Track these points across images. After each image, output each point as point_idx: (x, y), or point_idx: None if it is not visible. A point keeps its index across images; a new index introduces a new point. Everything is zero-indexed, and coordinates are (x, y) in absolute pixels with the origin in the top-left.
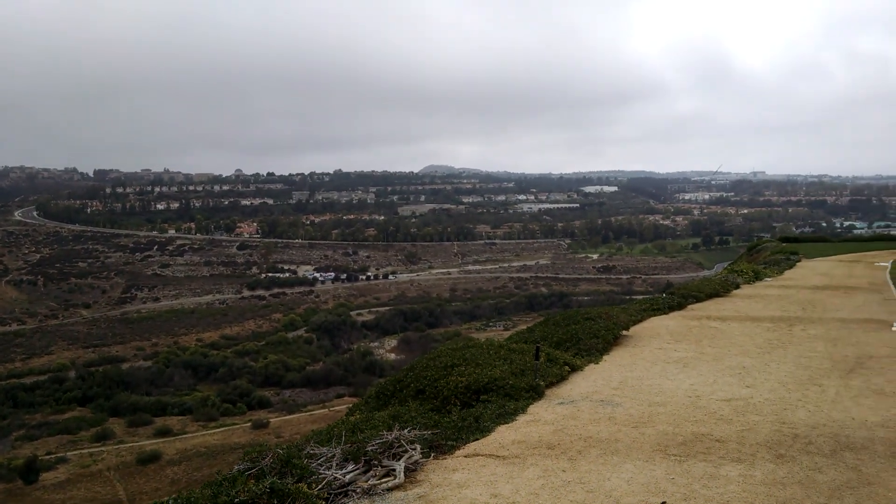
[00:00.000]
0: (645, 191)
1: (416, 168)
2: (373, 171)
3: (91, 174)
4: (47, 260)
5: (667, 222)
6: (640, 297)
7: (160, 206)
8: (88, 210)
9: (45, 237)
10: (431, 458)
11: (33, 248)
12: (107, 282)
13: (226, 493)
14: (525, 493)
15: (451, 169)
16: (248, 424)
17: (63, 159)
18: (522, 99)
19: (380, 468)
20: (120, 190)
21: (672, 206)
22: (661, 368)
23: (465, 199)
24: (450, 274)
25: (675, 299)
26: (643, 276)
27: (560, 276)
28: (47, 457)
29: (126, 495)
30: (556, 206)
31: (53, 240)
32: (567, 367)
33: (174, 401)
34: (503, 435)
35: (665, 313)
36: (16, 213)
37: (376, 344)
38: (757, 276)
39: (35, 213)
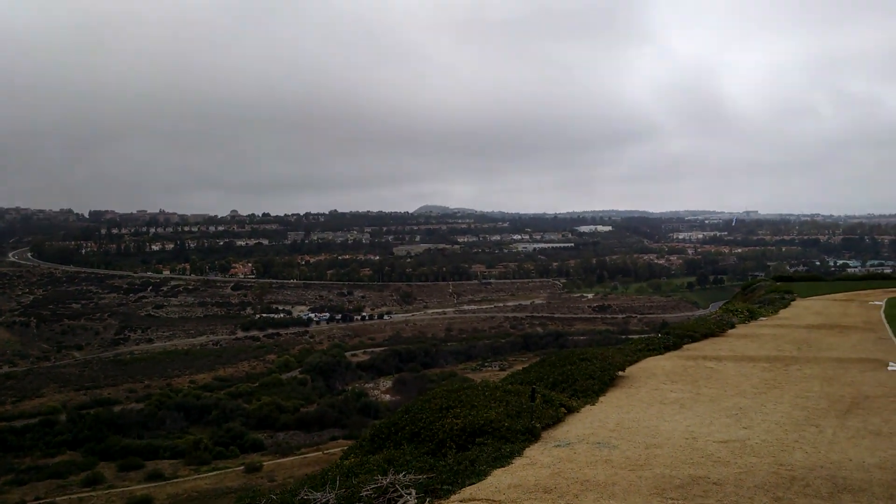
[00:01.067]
0: (639, 230)
1: (410, 208)
2: (368, 212)
3: (87, 215)
4: (40, 301)
5: (661, 261)
6: (636, 336)
7: (155, 247)
8: (83, 251)
9: (39, 278)
10: (427, 503)
11: (27, 290)
12: (100, 323)
13: None
14: None
15: (446, 209)
16: (241, 468)
17: (59, 200)
18: (517, 140)
19: None
20: (115, 231)
21: (666, 245)
22: (658, 409)
23: (460, 239)
24: (445, 313)
25: (671, 339)
26: (639, 316)
27: (556, 315)
28: (35, 502)
29: None
30: (550, 245)
31: (47, 281)
32: (563, 409)
33: (166, 444)
34: (499, 479)
35: (661, 353)
36: (10, 255)
37: (371, 385)
38: (752, 316)
39: (29, 255)
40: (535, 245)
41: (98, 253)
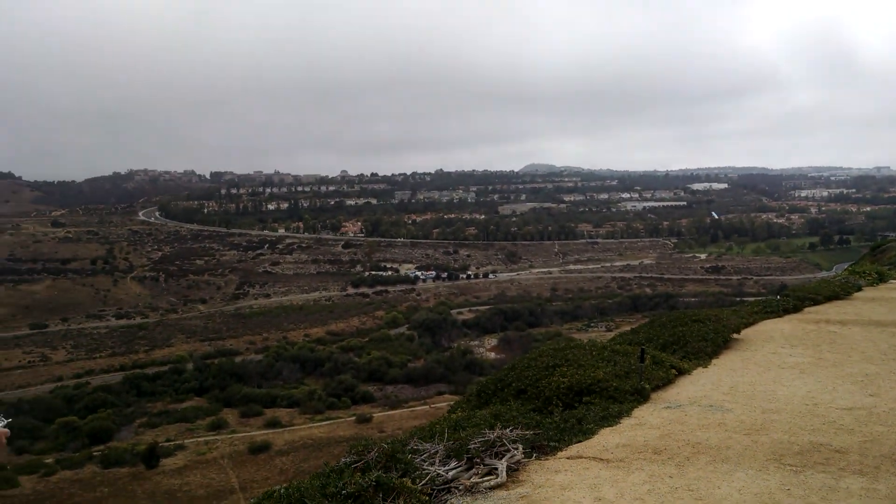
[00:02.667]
0: (757, 188)
1: (516, 167)
2: (473, 171)
3: (208, 176)
4: (168, 258)
5: (781, 221)
6: (752, 299)
7: (271, 207)
8: (205, 210)
9: (166, 236)
10: (533, 458)
11: (156, 247)
12: (222, 278)
13: (333, 485)
14: (630, 497)
15: (553, 167)
16: (353, 418)
17: (182, 162)
18: (629, 94)
19: (482, 466)
20: (234, 191)
21: (787, 204)
22: (776, 374)
23: (567, 198)
24: (550, 273)
25: (791, 301)
26: (755, 278)
27: (665, 276)
28: (167, 443)
29: (238, 483)
30: (661, 204)
31: (174, 238)
32: (674, 371)
33: (283, 393)
34: (607, 438)
35: (779, 316)
36: (140, 214)
37: (476, 342)
38: (881, 278)
39: (157, 214)
40: (645, 203)
41: (219, 212)
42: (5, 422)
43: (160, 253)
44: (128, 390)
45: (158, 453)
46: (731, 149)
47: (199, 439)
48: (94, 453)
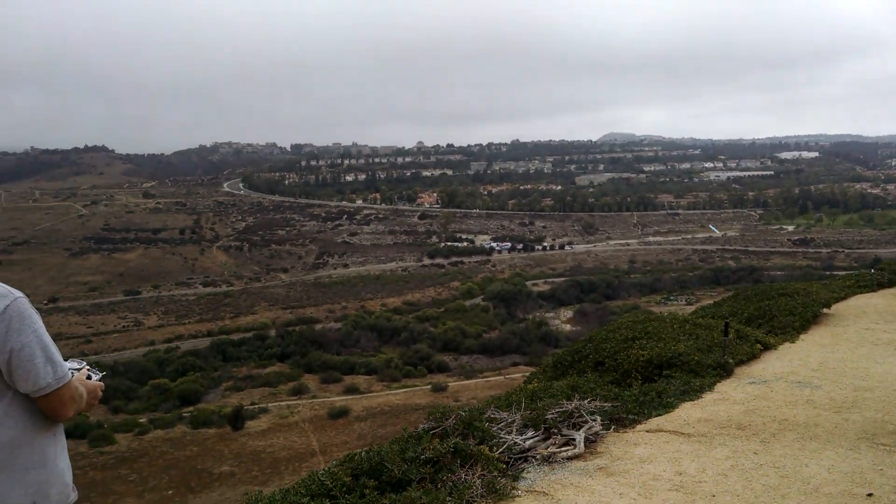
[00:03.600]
0: (851, 156)
1: (594, 136)
2: (550, 141)
3: (288, 148)
4: (251, 228)
5: (876, 191)
6: (843, 273)
7: (349, 178)
8: (286, 182)
9: (250, 207)
10: (612, 430)
11: (240, 217)
12: (302, 248)
13: (412, 450)
14: (712, 472)
15: (632, 136)
16: (428, 387)
17: (265, 135)
18: (717, 59)
19: (559, 437)
20: (313, 163)
21: (882, 174)
22: (868, 350)
23: (647, 168)
24: (629, 245)
25: (886, 275)
26: (846, 251)
27: (750, 248)
28: (251, 406)
29: (318, 446)
30: (746, 173)
31: (256, 209)
32: (759, 346)
33: (361, 361)
34: (688, 412)
35: (873, 290)
36: (225, 185)
37: (551, 314)
38: None
39: (241, 185)
40: (729, 173)
41: (299, 184)
42: (100, 375)
43: (244, 223)
44: (214, 355)
45: (243, 416)
46: (823, 115)
47: (282, 403)
48: (184, 414)
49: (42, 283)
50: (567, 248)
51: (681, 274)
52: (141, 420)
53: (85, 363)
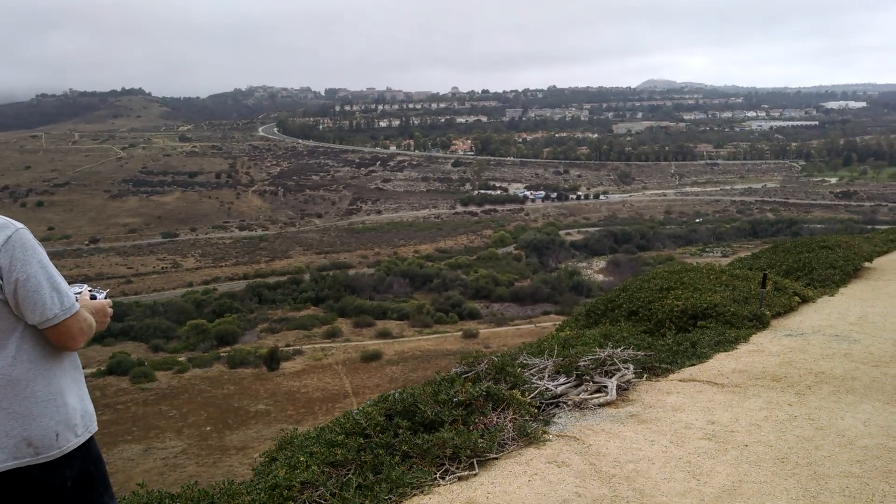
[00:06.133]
0: None
1: (633, 83)
2: (588, 87)
3: (323, 93)
4: (286, 172)
5: None
6: (886, 227)
7: (382, 124)
8: (320, 127)
9: (284, 152)
10: (644, 379)
11: (274, 162)
12: (336, 194)
13: (445, 392)
14: (745, 423)
15: (673, 84)
16: (459, 333)
17: (299, 79)
18: (765, 3)
19: (591, 384)
20: (347, 108)
21: None
22: None
23: (687, 116)
24: (665, 195)
25: None
26: (890, 204)
27: (790, 200)
28: (286, 348)
29: (351, 387)
30: (790, 123)
31: (291, 154)
32: (797, 298)
33: (393, 306)
34: (722, 363)
35: None
36: (260, 130)
37: (584, 264)
38: None
39: (275, 130)
40: (772, 123)
41: (333, 129)
42: (104, 293)
43: (279, 168)
44: (250, 297)
45: (278, 357)
46: (874, 63)
47: (316, 346)
48: (221, 354)
49: (83, 224)
50: (602, 197)
51: (717, 225)
52: (180, 359)
53: (86, 286)
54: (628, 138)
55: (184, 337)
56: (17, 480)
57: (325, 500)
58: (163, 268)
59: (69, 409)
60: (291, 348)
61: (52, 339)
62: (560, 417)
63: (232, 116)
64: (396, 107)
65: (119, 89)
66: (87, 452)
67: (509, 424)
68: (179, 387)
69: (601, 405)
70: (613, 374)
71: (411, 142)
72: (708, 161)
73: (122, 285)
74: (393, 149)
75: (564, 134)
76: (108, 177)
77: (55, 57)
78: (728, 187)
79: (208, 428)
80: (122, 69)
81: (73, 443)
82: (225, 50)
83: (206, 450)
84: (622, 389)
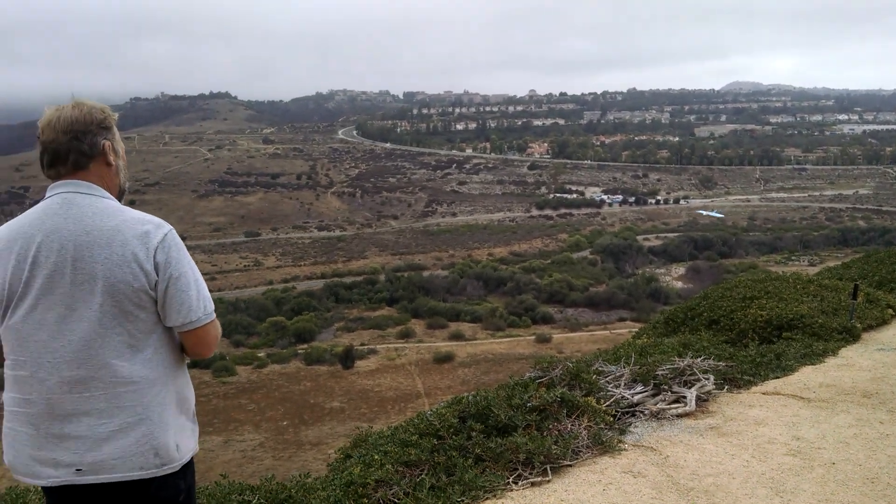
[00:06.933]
0: None
1: (717, 85)
2: (669, 90)
3: (401, 96)
4: (364, 175)
5: None
6: None
7: (459, 127)
8: (398, 130)
9: (363, 154)
10: (725, 390)
11: (352, 164)
12: (412, 196)
13: (518, 397)
14: (833, 440)
15: (759, 86)
16: (532, 337)
17: (378, 83)
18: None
19: (669, 394)
20: (425, 111)
21: None
22: None
23: (773, 120)
24: (749, 201)
25: None
26: None
27: (883, 208)
28: (361, 347)
29: (423, 388)
30: (885, 127)
31: (369, 156)
32: (890, 311)
33: (466, 308)
34: (808, 376)
35: None
36: (339, 132)
37: (662, 271)
38: None
39: (355, 132)
40: (865, 126)
41: (410, 132)
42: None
43: (357, 170)
44: (327, 296)
45: (353, 355)
46: None
47: (390, 346)
48: (299, 351)
49: (172, 222)
50: (682, 202)
51: (804, 233)
52: (259, 354)
53: None
54: (711, 142)
55: (263, 333)
56: (137, 492)
57: (398, 500)
58: (245, 266)
59: (186, 419)
60: (366, 347)
61: (188, 344)
62: (636, 427)
63: (313, 119)
64: (473, 109)
65: (207, 93)
66: (191, 465)
67: (584, 432)
68: (258, 381)
69: (679, 416)
70: (693, 385)
71: (487, 144)
72: (795, 166)
73: (207, 282)
74: (469, 151)
75: (644, 137)
76: (195, 177)
77: (149, 62)
78: (817, 193)
79: (285, 423)
80: (210, 74)
81: (189, 454)
82: (308, 55)
83: (282, 444)
84: (702, 401)
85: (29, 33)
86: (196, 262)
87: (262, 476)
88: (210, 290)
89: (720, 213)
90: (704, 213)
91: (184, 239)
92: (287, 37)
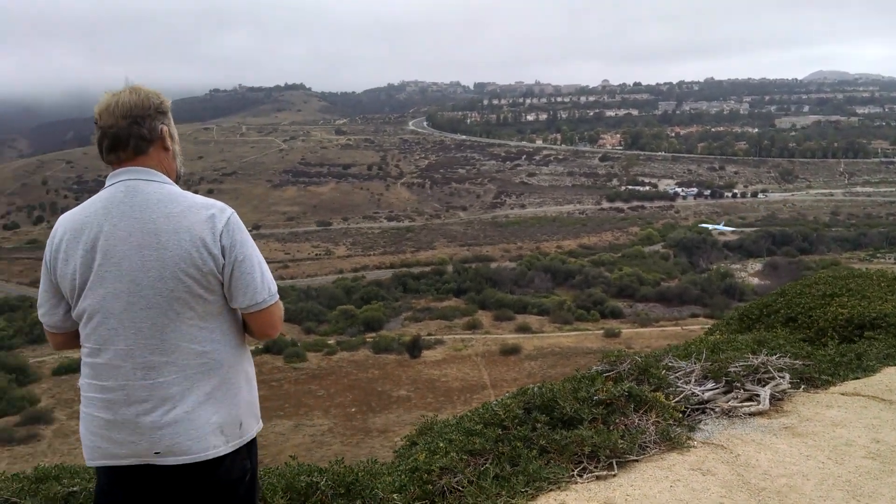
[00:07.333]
0: None
1: (800, 75)
2: (748, 79)
3: (471, 87)
4: (433, 166)
5: None
6: None
7: (530, 118)
8: (468, 121)
9: (432, 145)
10: (801, 390)
11: (422, 155)
12: (481, 187)
13: (585, 390)
14: None
15: (845, 75)
16: (601, 332)
17: (449, 73)
18: None
19: (742, 391)
20: (495, 102)
21: None
22: None
23: (860, 111)
24: (832, 195)
25: None
26: None
27: None
28: (428, 337)
29: (489, 379)
30: None
31: (438, 148)
32: None
33: (534, 301)
34: (891, 377)
35: None
36: (410, 123)
37: (738, 266)
38: None
39: (425, 123)
40: None
41: (480, 123)
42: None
43: (426, 161)
44: (396, 286)
45: (421, 345)
46: None
47: (456, 336)
48: (367, 339)
49: (247, 211)
50: (760, 196)
51: (891, 229)
52: (329, 341)
53: None
54: (792, 133)
55: (333, 321)
56: (205, 473)
57: (462, 487)
58: (316, 254)
59: (253, 397)
60: (433, 338)
61: (255, 325)
62: (706, 424)
63: (384, 111)
64: (544, 100)
65: (282, 84)
66: (255, 446)
67: (651, 427)
68: (328, 368)
69: (752, 414)
70: (767, 383)
71: (558, 136)
72: (883, 159)
73: (280, 270)
74: (539, 143)
75: (721, 128)
76: (270, 167)
77: (228, 55)
78: None
79: (353, 409)
80: (285, 65)
81: (253, 432)
82: (380, 47)
83: (350, 430)
84: (776, 399)
85: (116, 29)
86: (269, 251)
87: (330, 460)
88: (282, 278)
89: (730, 227)
90: (710, 227)
91: (258, 227)
92: (360, 29)
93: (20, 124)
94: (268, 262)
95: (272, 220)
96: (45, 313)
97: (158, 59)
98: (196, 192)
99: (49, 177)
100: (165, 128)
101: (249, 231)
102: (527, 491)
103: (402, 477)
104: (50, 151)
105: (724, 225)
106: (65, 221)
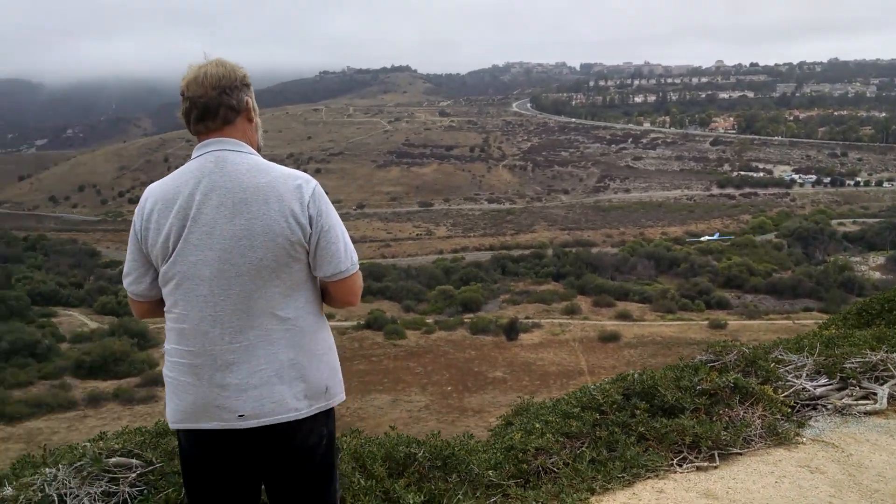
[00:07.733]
0: None
1: None
2: (877, 60)
3: (578, 68)
4: (536, 148)
5: None
6: None
7: (637, 99)
8: (573, 103)
9: (536, 127)
10: None
11: (525, 137)
12: (584, 171)
13: (688, 379)
14: None
15: None
16: (705, 322)
17: (555, 54)
18: None
19: (857, 389)
20: (602, 83)
21: None
22: None
23: None
24: None
25: None
26: None
27: None
28: (525, 320)
29: (586, 365)
30: None
31: (542, 130)
32: None
33: (635, 288)
34: None
35: None
36: (513, 105)
37: (858, 259)
38: None
39: (528, 105)
40: None
41: (585, 105)
42: None
43: (529, 143)
44: (495, 268)
45: (518, 328)
46: None
47: (554, 321)
48: (465, 320)
49: (352, 190)
50: (886, 184)
51: None
52: (428, 320)
53: None
54: None
55: (432, 300)
56: (285, 437)
57: (557, 469)
58: (417, 234)
59: (336, 364)
60: (530, 321)
61: (338, 293)
62: (817, 421)
63: (488, 92)
64: (654, 82)
65: (389, 66)
66: (333, 414)
67: (757, 421)
68: (426, 346)
69: (867, 413)
70: (886, 382)
71: (667, 118)
72: None
73: (382, 248)
74: (647, 125)
75: (845, 112)
76: (375, 148)
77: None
78: None
79: (449, 388)
80: (392, 47)
81: (336, 398)
82: (485, 28)
83: (446, 408)
84: (895, 399)
85: (231, 14)
86: (372, 229)
87: (427, 433)
88: (384, 257)
89: (723, 235)
90: (704, 238)
91: (362, 206)
92: (467, 10)
93: (145, 105)
94: (370, 241)
95: (376, 199)
96: (133, 281)
97: (269, 42)
98: (305, 170)
99: (170, 154)
100: (250, 100)
101: (354, 210)
102: (623, 477)
103: (498, 455)
104: (171, 130)
105: (719, 235)
106: (155, 191)
